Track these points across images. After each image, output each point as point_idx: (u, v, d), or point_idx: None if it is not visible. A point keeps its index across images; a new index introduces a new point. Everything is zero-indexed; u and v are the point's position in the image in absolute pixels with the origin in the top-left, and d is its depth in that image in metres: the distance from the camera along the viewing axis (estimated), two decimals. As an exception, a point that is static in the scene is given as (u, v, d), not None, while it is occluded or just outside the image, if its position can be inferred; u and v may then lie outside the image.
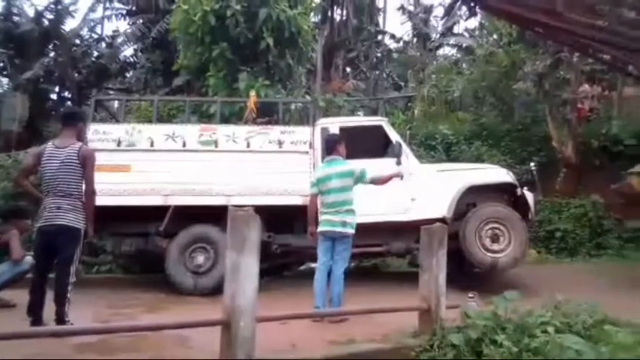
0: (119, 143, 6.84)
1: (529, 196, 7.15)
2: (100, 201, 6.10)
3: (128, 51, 17.86)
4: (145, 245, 6.83)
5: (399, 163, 6.81)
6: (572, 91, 10.85)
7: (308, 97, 11.68)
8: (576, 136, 10.40)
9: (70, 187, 4.27)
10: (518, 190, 7.05)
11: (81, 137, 4.63)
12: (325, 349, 3.79)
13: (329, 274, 5.03)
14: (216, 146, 6.97)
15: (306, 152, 6.98)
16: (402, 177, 5.72)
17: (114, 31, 18.12)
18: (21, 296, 4.62)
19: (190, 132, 7.04)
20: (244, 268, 3.05)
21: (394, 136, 7.20)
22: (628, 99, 11.88)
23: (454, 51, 20.99)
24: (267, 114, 8.86)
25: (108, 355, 3.61)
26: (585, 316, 3.91)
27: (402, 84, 22.07)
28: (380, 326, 4.19)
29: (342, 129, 6.93)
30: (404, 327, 4.14)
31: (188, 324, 3.22)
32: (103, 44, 17.95)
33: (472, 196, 6.96)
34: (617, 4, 5.97)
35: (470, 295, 4.70)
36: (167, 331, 3.73)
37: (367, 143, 6.95)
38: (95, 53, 17.39)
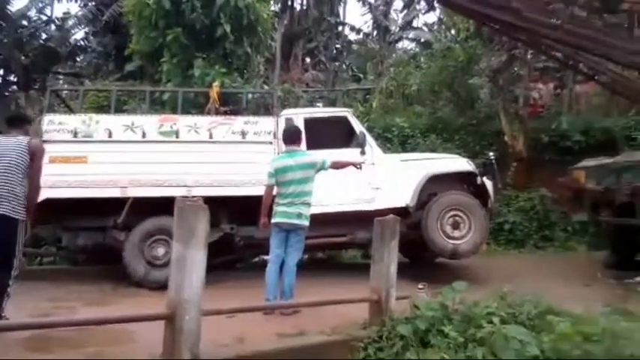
0: (75, 134, 6.58)
1: (488, 185, 7.29)
2: (55, 193, 5.99)
3: (79, 34, 17.20)
4: (103, 239, 6.62)
5: (363, 153, 6.86)
6: (525, 87, 11.11)
7: (266, 87, 11.53)
8: (527, 132, 10.65)
9: (13, 177, 4.12)
10: (479, 179, 7.17)
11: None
12: (275, 342, 3.75)
13: (281, 266, 4.99)
14: (177, 137, 6.77)
15: (270, 143, 6.85)
16: (360, 167, 5.66)
17: (64, 13, 17.29)
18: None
19: (150, 122, 6.81)
20: (190, 260, 2.98)
21: (358, 126, 7.21)
22: (578, 96, 12.30)
23: (413, 45, 21.19)
24: (225, 103, 8.70)
25: (42, 352, 3.46)
26: (530, 307, 4.00)
27: (362, 76, 22.07)
28: (331, 318, 4.18)
29: (307, 119, 6.92)
30: (355, 319, 4.15)
31: (130, 318, 3.12)
32: (53, 26, 17.09)
33: (434, 185, 7.01)
34: (570, 3, 6.12)
35: (420, 285, 4.76)
36: (112, 325, 3.59)
37: (332, 134, 6.97)
38: (44, 36, 16.60)
